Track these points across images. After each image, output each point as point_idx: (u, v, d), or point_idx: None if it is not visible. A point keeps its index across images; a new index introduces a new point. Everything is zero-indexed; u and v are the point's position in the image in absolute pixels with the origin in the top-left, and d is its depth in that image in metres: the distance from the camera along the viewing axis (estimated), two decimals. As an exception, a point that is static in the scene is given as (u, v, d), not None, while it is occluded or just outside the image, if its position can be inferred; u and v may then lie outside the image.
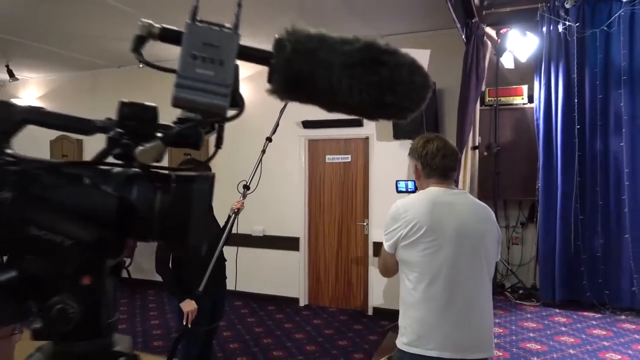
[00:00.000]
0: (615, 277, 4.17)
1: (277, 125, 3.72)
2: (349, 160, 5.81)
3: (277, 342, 4.77)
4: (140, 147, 0.64)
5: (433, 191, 2.02)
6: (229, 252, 3.29)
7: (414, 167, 2.14)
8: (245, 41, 0.69)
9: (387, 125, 5.41)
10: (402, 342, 2.00)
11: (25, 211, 0.59)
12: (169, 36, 0.71)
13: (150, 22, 0.72)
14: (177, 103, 0.62)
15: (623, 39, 4.11)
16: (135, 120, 0.66)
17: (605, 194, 4.20)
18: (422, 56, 5.61)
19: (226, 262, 3.38)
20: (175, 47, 0.68)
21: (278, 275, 6.09)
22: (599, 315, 4.06)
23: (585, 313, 4.11)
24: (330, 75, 0.71)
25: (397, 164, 5.52)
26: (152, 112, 0.67)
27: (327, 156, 5.87)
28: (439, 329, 1.91)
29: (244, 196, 3.39)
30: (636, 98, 4.11)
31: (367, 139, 5.68)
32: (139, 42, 0.69)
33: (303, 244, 6.00)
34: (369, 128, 5.63)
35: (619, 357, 3.20)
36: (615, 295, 4.15)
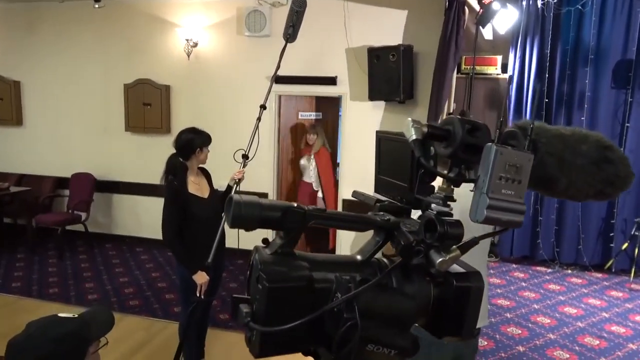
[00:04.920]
0: (565, 236, 4.71)
1: (269, 92, 3.61)
2: (321, 117, 5.82)
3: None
4: (443, 258, 0.69)
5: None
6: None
7: None
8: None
9: (362, 85, 5.45)
10: None
11: (368, 330, 0.63)
12: (435, 135, 0.75)
13: (419, 122, 0.75)
14: (487, 221, 0.67)
15: (594, 19, 4.38)
16: (439, 238, 0.69)
17: (564, 164, 4.64)
18: (399, 16, 5.59)
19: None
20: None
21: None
22: (550, 270, 4.61)
23: (538, 268, 4.65)
24: (570, 174, 0.80)
25: (369, 124, 5.62)
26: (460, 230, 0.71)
27: (300, 113, 5.83)
28: None
29: (244, 165, 3.36)
30: (599, 76, 4.47)
31: (340, 97, 5.69)
32: (420, 145, 0.72)
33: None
34: (343, 87, 5.63)
35: (575, 310, 3.71)
36: (563, 252, 4.71)
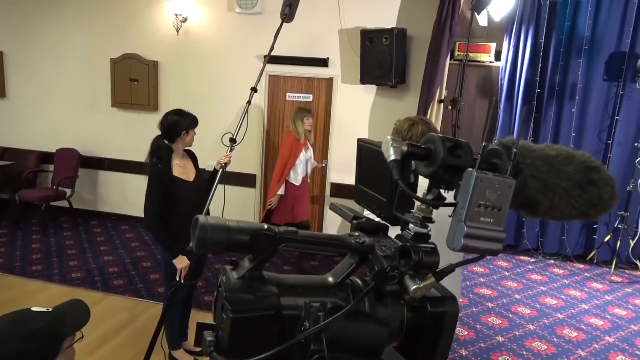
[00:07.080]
0: (550, 227, 4.75)
1: (261, 75, 3.53)
2: (311, 100, 5.74)
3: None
4: (417, 286, 0.66)
5: None
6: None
7: None
8: None
9: (355, 68, 5.36)
10: None
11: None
12: (415, 154, 0.72)
13: (399, 141, 0.72)
14: (464, 250, 0.65)
15: (591, 9, 4.32)
16: (415, 267, 0.66)
17: (552, 155, 4.65)
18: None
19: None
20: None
21: (234, 211, 6.10)
22: (533, 259, 4.66)
23: (521, 257, 4.69)
24: (553, 197, 0.78)
25: (361, 108, 5.56)
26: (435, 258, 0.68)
27: (288, 94, 5.74)
28: None
29: (231, 150, 3.32)
30: (592, 68, 4.44)
31: (331, 80, 5.61)
32: (400, 165, 0.69)
33: (259, 181, 6.02)
34: (334, 69, 5.54)
35: (555, 302, 3.76)
36: (547, 243, 4.76)
